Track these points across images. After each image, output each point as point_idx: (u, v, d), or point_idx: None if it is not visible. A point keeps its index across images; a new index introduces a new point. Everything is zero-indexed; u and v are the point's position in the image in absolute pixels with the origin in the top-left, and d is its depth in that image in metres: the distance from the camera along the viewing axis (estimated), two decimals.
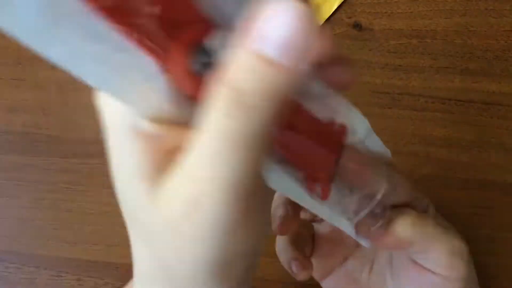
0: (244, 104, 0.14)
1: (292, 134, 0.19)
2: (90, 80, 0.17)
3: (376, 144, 0.24)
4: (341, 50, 0.43)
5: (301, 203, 0.21)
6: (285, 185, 0.20)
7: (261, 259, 0.42)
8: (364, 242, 0.26)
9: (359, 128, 0.22)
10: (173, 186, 0.16)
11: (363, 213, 0.24)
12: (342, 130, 0.21)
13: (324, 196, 0.21)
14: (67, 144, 0.43)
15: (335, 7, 0.43)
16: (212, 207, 0.15)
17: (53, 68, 0.47)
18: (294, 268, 0.30)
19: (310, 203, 0.21)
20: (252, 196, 0.15)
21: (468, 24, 0.42)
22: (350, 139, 0.22)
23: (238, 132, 0.14)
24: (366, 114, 0.42)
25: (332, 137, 0.20)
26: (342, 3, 0.43)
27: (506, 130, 0.41)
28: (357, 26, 0.43)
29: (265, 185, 0.17)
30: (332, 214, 0.23)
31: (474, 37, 0.42)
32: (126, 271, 0.42)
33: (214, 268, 0.17)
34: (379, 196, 0.23)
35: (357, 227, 0.25)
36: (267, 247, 0.41)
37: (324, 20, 0.43)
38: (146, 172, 0.16)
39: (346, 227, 0.25)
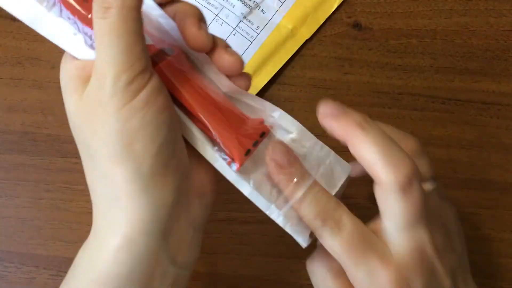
0: (103, 7, 0.21)
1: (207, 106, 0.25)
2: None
3: (315, 146, 0.27)
4: (341, 49, 0.43)
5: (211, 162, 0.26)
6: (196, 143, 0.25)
7: (261, 259, 0.42)
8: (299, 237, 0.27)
9: (290, 128, 0.27)
10: (90, 86, 0.23)
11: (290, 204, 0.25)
12: (262, 125, 0.26)
13: (237, 168, 0.25)
14: (67, 144, 0.43)
15: (335, 7, 0.43)
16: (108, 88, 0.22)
17: (53, 68, 0.47)
18: None
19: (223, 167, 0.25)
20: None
21: (468, 24, 0.42)
22: (282, 136, 0.27)
23: (104, 28, 0.22)
24: (366, 114, 0.42)
25: (251, 127, 0.26)
26: (342, 3, 0.43)
27: (506, 130, 0.41)
28: (357, 26, 0.43)
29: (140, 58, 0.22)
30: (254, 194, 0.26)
31: (474, 37, 0.42)
32: None
33: (122, 139, 0.22)
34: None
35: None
36: (267, 248, 0.41)
37: (324, 20, 0.43)
38: (78, 85, 0.24)
39: (274, 213, 0.26)
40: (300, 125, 0.27)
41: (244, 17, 0.43)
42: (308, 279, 0.40)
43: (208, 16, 0.43)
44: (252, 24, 0.43)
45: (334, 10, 0.43)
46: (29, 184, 0.43)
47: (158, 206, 0.23)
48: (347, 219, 0.24)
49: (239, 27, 0.43)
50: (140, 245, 0.23)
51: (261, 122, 0.27)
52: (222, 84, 0.26)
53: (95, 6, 0.22)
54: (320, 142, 0.27)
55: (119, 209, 0.23)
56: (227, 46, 0.26)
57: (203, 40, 0.25)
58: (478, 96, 0.41)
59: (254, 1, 0.43)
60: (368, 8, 0.43)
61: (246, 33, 0.43)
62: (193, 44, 0.25)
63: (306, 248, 0.41)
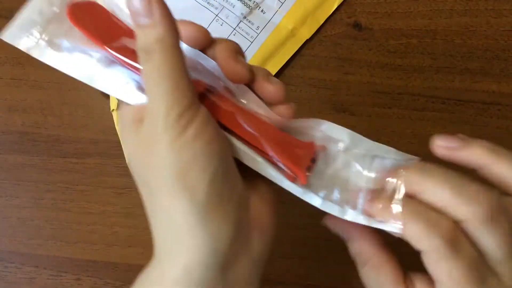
0: (146, 52, 0.23)
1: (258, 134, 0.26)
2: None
3: (371, 146, 0.27)
4: (341, 50, 0.43)
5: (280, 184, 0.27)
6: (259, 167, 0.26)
7: None
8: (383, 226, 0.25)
9: (341, 137, 0.27)
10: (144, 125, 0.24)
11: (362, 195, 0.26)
12: (313, 145, 0.27)
13: (303, 181, 0.26)
14: (67, 144, 0.43)
15: (335, 7, 0.43)
16: (160, 122, 0.23)
17: (53, 68, 0.47)
18: None
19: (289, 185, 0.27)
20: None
21: (468, 24, 0.42)
22: (335, 147, 0.27)
23: (150, 70, 0.23)
24: (366, 114, 0.42)
25: (303, 147, 0.27)
26: (342, 3, 0.43)
27: (506, 130, 0.41)
28: (357, 26, 0.43)
29: (189, 96, 0.23)
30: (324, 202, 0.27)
31: (474, 37, 0.42)
32: (125, 271, 0.42)
33: (176, 171, 0.23)
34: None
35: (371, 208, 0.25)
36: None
37: (324, 20, 0.43)
38: (134, 128, 0.25)
39: (351, 215, 0.26)
40: (350, 131, 0.27)
41: (244, 17, 0.43)
42: (308, 279, 0.41)
43: (208, 16, 0.43)
44: (252, 24, 0.43)
45: (334, 10, 0.43)
46: (30, 184, 0.43)
47: (217, 238, 0.23)
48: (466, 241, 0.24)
49: (239, 27, 0.43)
50: (199, 278, 0.23)
51: (312, 143, 0.27)
52: (265, 115, 0.27)
53: (139, 53, 0.24)
54: (376, 143, 0.27)
55: (178, 242, 0.23)
56: (268, 75, 0.27)
57: (241, 72, 0.26)
58: (478, 96, 0.41)
59: (254, 1, 0.43)
60: (368, 8, 0.43)
61: (246, 33, 0.43)
62: (232, 77, 0.26)
63: (306, 248, 0.41)
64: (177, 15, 0.45)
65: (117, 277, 0.42)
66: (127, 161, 0.42)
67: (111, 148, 0.43)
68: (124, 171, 0.43)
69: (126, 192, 0.43)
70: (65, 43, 0.28)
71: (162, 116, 0.23)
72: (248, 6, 0.43)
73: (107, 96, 0.43)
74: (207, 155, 0.23)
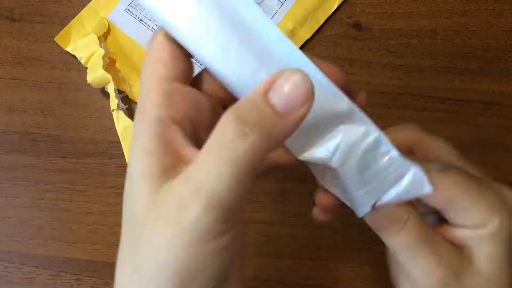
0: (242, 133, 0.18)
1: None
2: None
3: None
4: (341, 50, 0.43)
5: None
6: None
7: (261, 259, 0.42)
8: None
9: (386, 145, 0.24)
10: (171, 189, 0.19)
11: None
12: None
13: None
14: (67, 144, 0.43)
15: (335, 7, 0.43)
16: (194, 213, 0.18)
17: (53, 68, 0.47)
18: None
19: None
20: (229, 211, 0.19)
21: (468, 24, 0.42)
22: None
23: (228, 153, 0.18)
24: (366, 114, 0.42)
25: None
26: (342, 3, 0.43)
27: (506, 130, 0.41)
28: (357, 26, 0.43)
29: (242, 205, 0.19)
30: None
31: (474, 37, 0.42)
32: None
33: (179, 275, 0.19)
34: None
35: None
36: (267, 248, 0.41)
37: (324, 20, 0.43)
38: (155, 175, 0.20)
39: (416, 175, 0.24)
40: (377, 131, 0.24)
41: None
42: (308, 279, 0.41)
43: None
44: None
45: (334, 10, 0.43)
46: (29, 184, 0.43)
47: None
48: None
49: None
50: None
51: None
52: None
53: (232, 117, 0.19)
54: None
55: None
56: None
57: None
58: (478, 96, 0.41)
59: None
60: (368, 8, 0.43)
61: None
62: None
63: (305, 248, 0.41)
64: None
65: None
66: (127, 161, 0.42)
67: (111, 148, 0.43)
68: (124, 171, 0.43)
69: None
70: None
71: (205, 202, 0.18)
72: None
73: (107, 96, 0.43)
74: (217, 274, 0.20)
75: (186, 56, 0.22)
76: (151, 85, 0.21)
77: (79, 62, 0.43)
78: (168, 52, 0.21)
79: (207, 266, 0.19)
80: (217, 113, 0.22)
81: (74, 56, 0.44)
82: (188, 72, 0.22)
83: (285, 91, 0.19)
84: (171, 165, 0.20)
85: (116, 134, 0.42)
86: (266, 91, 0.19)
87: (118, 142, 0.42)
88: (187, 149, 0.20)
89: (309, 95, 0.19)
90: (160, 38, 0.21)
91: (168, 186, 0.19)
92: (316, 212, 0.27)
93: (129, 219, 0.21)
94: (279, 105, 0.19)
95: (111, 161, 0.43)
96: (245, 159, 0.18)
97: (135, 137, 0.21)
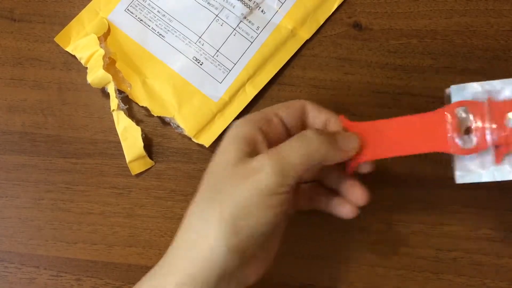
0: (321, 143, 0.31)
1: None
2: None
3: None
4: (341, 50, 0.43)
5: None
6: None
7: None
8: None
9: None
10: (254, 160, 0.30)
11: None
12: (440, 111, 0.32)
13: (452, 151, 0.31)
14: (67, 144, 0.43)
15: (335, 7, 0.43)
16: (268, 171, 0.29)
17: (53, 68, 0.47)
18: None
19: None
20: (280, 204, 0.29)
21: (468, 24, 0.42)
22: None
23: (307, 147, 0.30)
24: (366, 114, 0.42)
25: None
26: (342, 3, 0.43)
27: None
28: (357, 26, 0.43)
29: (298, 184, 0.33)
30: None
31: (474, 37, 0.42)
32: (125, 271, 0.42)
33: (240, 211, 0.28)
34: None
35: None
36: None
37: (324, 20, 0.43)
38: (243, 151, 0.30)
39: None
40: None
41: (245, 18, 0.43)
42: (308, 279, 0.41)
43: (208, 16, 0.43)
44: (253, 24, 0.43)
45: (334, 10, 0.43)
46: (30, 184, 0.43)
47: (229, 270, 0.29)
48: None
49: (240, 28, 0.43)
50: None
51: (442, 110, 0.32)
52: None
53: (319, 138, 0.31)
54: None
55: (195, 247, 0.29)
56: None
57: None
58: None
59: (254, 2, 0.43)
60: (368, 8, 0.43)
61: (247, 33, 0.43)
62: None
63: (305, 248, 0.41)
64: (177, 15, 0.45)
65: (117, 277, 0.42)
66: (127, 161, 0.42)
67: (111, 148, 0.43)
68: (124, 171, 0.43)
69: (126, 192, 0.43)
70: None
71: (290, 172, 0.29)
72: (248, 6, 0.43)
73: (107, 96, 0.43)
74: (264, 222, 0.29)
75: (297, 121, 0.34)
76: (268, 111, 0.33)
77: (79, 62, 0.43)
78: (295, 109, 0.33)
79: (263, 215, 0.28)
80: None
81: (74, 56, 0.44)
82: (289, 116, 0.33)
83: (345, 139, 0.32)
84: (253, 150, 0.30)
85: (116, 134, 0.42)
86: (337, 134, 0.32)
87: (118, 142, 0.43)
88: (264, 147, 0.31)
89: (355, 148, 0.32)
90: (301, 102, 0.34)
91: (252, 159, 0.29)
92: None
93: (212, 172, 0.31)
94: (339, 143, 0.31)
95: (111, 161, 0.43)
96: (315, 157, 0.30)
97: (238, 126, 0.32)
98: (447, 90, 0.31)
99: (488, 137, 0.29)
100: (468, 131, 0.30)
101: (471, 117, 0.29)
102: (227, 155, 0.30)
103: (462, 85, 0.30)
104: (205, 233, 0.28)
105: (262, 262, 0.33)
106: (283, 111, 0.33)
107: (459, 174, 0.30)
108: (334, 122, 0.34)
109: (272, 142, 0.31)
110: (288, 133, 0.33)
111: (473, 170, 0.30)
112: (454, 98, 0.30)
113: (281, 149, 0.29)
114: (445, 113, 0.30)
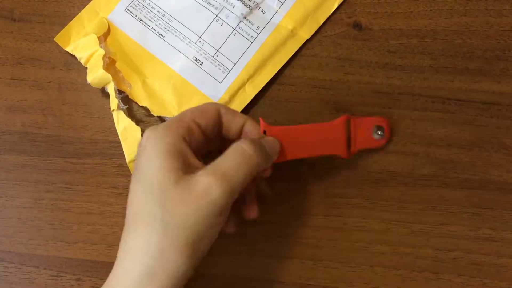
0: (255, 154, 0.32)
1: None
2: None
3: None
4: (341, 50, 0.43)
5: None
6: None
7: (260, 259, 0.42)
8: None
9: None
10: (195, 176, 0.29)
11: None
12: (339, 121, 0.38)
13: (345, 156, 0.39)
14: (67, 144, 0.43)
15: (335, 7, 0.43)
16: (217, 193, 0.29)
17: (53, 68, 0.47)
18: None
19: None
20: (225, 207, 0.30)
21: (468, 24, 0.42)
22: None
23: (247, 161, 0.31)
24: (366, 114, 0.42)
25: None
26: (342, 3, 0.43)
27: (506, 130, 0.41)
28: (357, 26, 0.43)
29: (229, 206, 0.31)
30: None
31: (474, 37, 0.42)
32: None
33: (194, 236, 0.29)
34: None
35: None
36: (267, 248, 0.41)
37: (324, 20, 0.43)
38: (175, 168, 0.30)
39: None
40: None
41: (244, 17, 0.43)
42: (308, 279, 0.41)
43: (208, 16, 0.43)
44: (252, 24, 0.43)
45: (334, 10, 0.43)
46: (30, 184, 0.43)
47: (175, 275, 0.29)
48: None
49: (239, 27, 0.43)
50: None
51: (340, 119, 0.39)
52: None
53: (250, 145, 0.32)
54: None
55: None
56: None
57: None
58: (478, 96, 0.41)
59: (254, 2, 0.43)
60: (368, 8, 0.43)
61: (246, 33, 0.43)
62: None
63: (305, 248, 0.41)
64: (177, 15, 0.45)
65: None
66: (127, 161, 0.42)
67: (111, 148, 0.43)
68: (124, 171, 0.43)
69: (126, 192, 0.42)
70: None
71: (226, 194, 0.29)
72: (248, 6, 0.43)
73: (107, 96, 0.43)
74: (215, 236, 0.31)
75: (213, 128, 0.34)
76: (185, 118, 0.32)
77: (79, 62, 0.43)
78: (210, 115, 0.34)
79: (212, 232, 0.30)
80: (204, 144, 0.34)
81: (74, 56, 0.44)
82: (208, 130, 0.34)
83: (269, 143, 0.34)
84: (184, 165, 0.30)
85: (116, 134, 0.42)
86: (260, 139, 0.34)
87: (118, 142, 0.42)
88: (195, 160, 0.31)
89: (277, 153, 0.35)
90: (214, 107, 0.34)
91: (190, 176, 0.29)
92: None
93: (145, 193, 0.30)
94: (267, 147, 0.33)
95: (111, 161, 0.43)
96: (254, 167, 0.31)
97: (158, 138, 0.30)
98: None
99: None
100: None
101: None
102: (160, 175, 0.29)
103: None
104: (164, 262, 0.28)
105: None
106: (200, 118, 0.33)
107: None
108: (250, 125, 0.34)
109: (194, 150, 0.31)
110: (206, 139, 0.34)
111: None
112: None
113: (224, 167, 0.30)
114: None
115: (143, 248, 0.29)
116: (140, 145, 0.31)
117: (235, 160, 0.30)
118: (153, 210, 0.29)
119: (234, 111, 0.34)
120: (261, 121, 0.36)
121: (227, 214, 0.31)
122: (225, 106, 0.34)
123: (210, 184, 0.29)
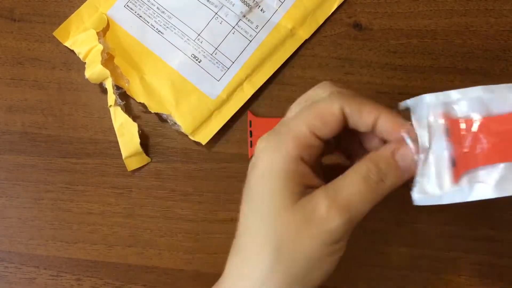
0: (381, 179, 0.26)
1: None
2: None
3: None
4: (341, 49, 0.43)
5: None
6: None
7: None
8: None
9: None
10: (312, 199, 0.26)
11: None
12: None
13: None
14: (67, 144, 0.43)
15: (335, 7, 0.43)
16: (336, 223, 0.25)
17: (53, 68, 0.47)
18: None
19: None
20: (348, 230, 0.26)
21: (468, 24, 0.42)
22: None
23: (371, 190, 0.26)
24: None
25: None
26: (342, 3, 0.43)
27: None
28: (357, 26, 0.43)
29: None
30: None
31: (474, 37, 0.42)
32: (125, 271, 0.42)
33: (304, 263, 0.26)
34: None
35: None
36: None
37: (324, 20, 0.43)
38: (293, 191, 0.26)
39: None
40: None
41: (244, 16, 0.43)
42: None
43: (207, 14, 0.43)
44: (252, 23, 0.43)
45: (334, 10, 0.43)
46: (30, 184, 0.43)
47: None
48: None
49: (238, 26, 0.43)
50: None
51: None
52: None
53: (377, 169, 0.27)
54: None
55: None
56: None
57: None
58: None
59: (254, 0, 0.43)
60: (369, 8, 0.43)
61: (245, 32, 0.43)
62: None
63: None
64: (176, 12, 0.45)
65: (117, 277, 0.42)
66: (123, 157, 0.42)
67: (111, 148, 0.43)
68: (124, 171, 0.43)
69: (126, 192, 0.43)
70: None
71: (345, 220, 0.25)
72: (247, 4, 0.43)
73: (107, 95, 0.43)
74: (327, 269, 0.27)
75: (337, 129, 0.27)
76: (302, 130, 0.27)
77: (79, 62, 0.43)
78: (335, 123, 0.27)
79: (328, 260, 0.27)
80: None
81: (74, 56, 0.44)
82: (331, 133, 0.27)
83: (406, 157, 0.27)
84: (303, 188, 0.26)
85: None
86: (394, 153, 0.27)
87: (118, 142, 0.43)
88: (314, 179, 0.27)
89: (416, 166, 0.27)
90: (338, 109, 0.26)
91: (308, 199, 0.26)
92: None
93: (262, 215, 0.27)
94: (401, 165, 0.27)
95: (111, 161, 0.43)
96: (380, 196, 0.26)
97: (271, 156, 0.27)
98: (401, 104, 0.29)
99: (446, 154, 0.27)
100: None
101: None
102: (277, 198, 0.26)
103: (414, 99, 0.28)
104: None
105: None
106: (320, 128, 0.27)
107: (417, 197, 0.27)
108: (385, 122, 0.27)
109: (315, 166, 0.28)
110: (325, 144, 0.28)
111: (431, 192, 0.27)
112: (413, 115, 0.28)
113: (346, 194, 0.26)
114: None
115: (251, 274, 0.27)
116: (254, 155, 0.28)
117: (359, 187, 0.26)
118: (267, 234, 0.26)
119: (360, 106, 0.27)
120: (249, 113, 0.34)
121: (347, 238, 0.27)
122: (349, 101, 0.27)
123: (329, 213, 0.25)
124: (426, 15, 0.42)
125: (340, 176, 0.26)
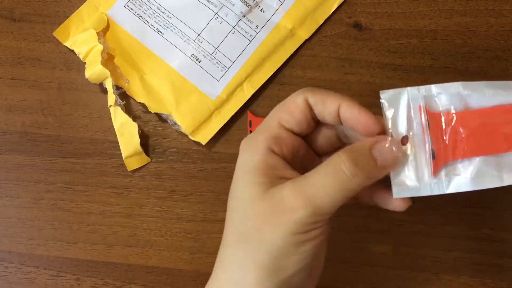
0: (355, 173, 0.26)
1: None
2: None
3: None
4: (341, 49, 0.43)
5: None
6: None
7: None
8: None
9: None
10: (280, 192, 0.26)
11: None
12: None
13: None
14: (67, 144, 0.43)
15: (335, 7, 0.43)
16: (301, 214, 0.25)
17: (53, 68, 0.47)
18: None
19: None
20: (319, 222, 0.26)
21: (468, 24, 0.42)
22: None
23: (342, 183, 0.26)
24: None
25: None
26: (342, 3, 0.43)
27: None
28: (357, 26, 0.43)
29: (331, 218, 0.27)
30: None
31: (474, 37, 0.42)
32: (125, 271, 0.42)
33: (273, 254, 0.26)
34: None
35: None
36: None
37: (324, 20, 0.43)
38: (263, 182, 0.27)
39: None
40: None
41: (244, 16, 0.43)
42: None
43: (207, 14, 0.43)
44: (252, 23, 0.43)
45: (334, 10, 0.43)
46: (30, 184, 0.43)
47: None
48: None
49: (238, 26, 0.43)
50: None
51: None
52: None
53: (350, 161, 0.26)
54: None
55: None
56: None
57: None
58: None
59: (254, 0, 0.43)
60: (369, 8, 0.43)
61: (245, 32, 0.43)
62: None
63: None
64: (176, 12, 0.45)
65: (117, 277, 0.42)
66: (123, 157, 0.42)
67: (111, 148, 0.43)
68: (124, 171, 0.43)
69: (126, 192, 0.43)
70: None
71: (311, 208, 0.25)
72: (247, 4, 0.43)
73: (105, 92, 0.43)
74: (299, 259, 0.27)
75: (308, 124, 0.29)
76: (271, 124, 0.28)
77: (79, 62, 0.43)
78: (299, 113, 0.28)
79: (297, 251, 0.26)
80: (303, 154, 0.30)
81: (74, 56, 0.44)
82: (303, 130, 0.29)
83: (385, 152, 0.26)
84: (274, 179, 0.27)
85: (116, 134, 0.42)
86: (372, 147, 0.26)
87: (118, 142, 0.43)
88: (287, 172, 0.27)
89: (396, 163, 0.27)
90: (302, 100, 0.28)
91: (276, 190, 0.26)
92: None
93: (236, 209, 0.28)
94: (379, 161, 0.26)
95: (111, 161, 0.43)
96: (351, 191, 0.26)
97: (246, 155, 0.28)
98: (382, 95, 0.28)
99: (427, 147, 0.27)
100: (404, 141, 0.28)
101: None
102: (247, 190, 0.27)
103: (396, 90, 0.29)
104: (243, 282, 0.27)
105: (311, 280, 0.30)
106: (287, 120, 0.28)
107: (395, 190, 0.27)
108: (346, 110, 0.28)
109: (289, 157, 0.28)
110: (300, 137, 0.30)
111: (410, 184, 0.27)
112: (388, 105, 0.29)
113: (313, 187, 0.26)
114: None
115: (232, 261, 0.28)
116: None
117: (327, 181, 0.26)
118: (237, 225, 0.27)
119: (323, 96, 0.28)
120: (249, 113, 0.34)
121: (321, 229, 0.26)
122: (313, 92, 0.28)
123: (292, 204, 0.25)
124: (426, 15, 0.42)
125: (314, 169, 0.26)
